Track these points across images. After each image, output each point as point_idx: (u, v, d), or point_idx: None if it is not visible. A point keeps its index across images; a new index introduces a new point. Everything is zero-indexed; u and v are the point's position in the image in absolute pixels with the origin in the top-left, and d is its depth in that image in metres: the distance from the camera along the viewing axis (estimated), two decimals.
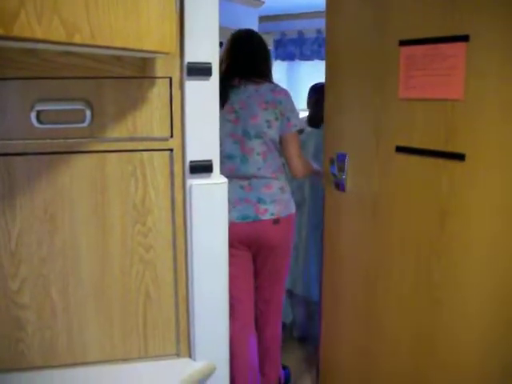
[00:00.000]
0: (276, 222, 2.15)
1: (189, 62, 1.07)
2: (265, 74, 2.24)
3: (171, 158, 1.12)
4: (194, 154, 1.12)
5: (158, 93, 1.08)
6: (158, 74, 1.08)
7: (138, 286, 1.15)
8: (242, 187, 2.15)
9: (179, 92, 1.10)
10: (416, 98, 1.75)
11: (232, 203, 2.11)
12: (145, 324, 1.18)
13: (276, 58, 5.55)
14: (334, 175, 2.07)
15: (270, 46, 4.89)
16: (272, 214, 2.15)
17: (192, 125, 1.10)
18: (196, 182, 1.12)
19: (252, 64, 2.21)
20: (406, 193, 1.82)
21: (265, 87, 2.15)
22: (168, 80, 1.08)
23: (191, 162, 1.11)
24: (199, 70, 1.08)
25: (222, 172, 1.18)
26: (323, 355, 2.27)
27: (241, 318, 2.21)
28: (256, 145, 2.12)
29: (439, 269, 1.71)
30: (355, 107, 1.99)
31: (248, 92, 2.14)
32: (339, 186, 2.07)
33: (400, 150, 1.82)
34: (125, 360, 1.18)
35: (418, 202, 1.77)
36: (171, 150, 1.12)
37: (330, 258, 2.19)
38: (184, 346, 1.20)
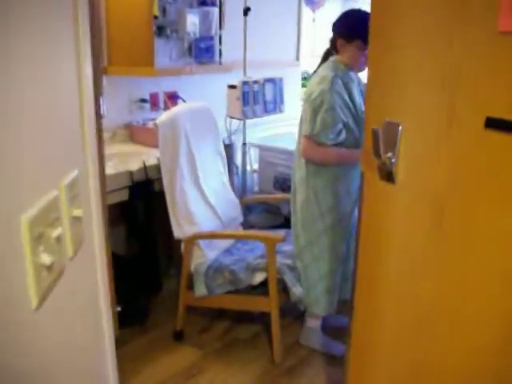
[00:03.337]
0: None
1: None
2: None
3: None
4: None
5: None
6: None
7: None
8: None
9: None
10: None
11: None
12: None
13: None
14: (379, 157, 1.32)
15: None
16: None
17: None
18: None
19: None
20: (498, 194, 1.07)
21: None
22: None
23: None
24: None
25: None
26: None
27: None
28: None
29: None
30: (416, 49, 1.22)
31: None
32: (386, 173, 1.33)
33: (493, 123, 1.05)
34: None
35: None
36: None
37: (367, 281, 1.47)
38: None
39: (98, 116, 2.17)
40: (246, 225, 3.32)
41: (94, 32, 1.79)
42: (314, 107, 2.20)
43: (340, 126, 2.21)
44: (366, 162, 1.41)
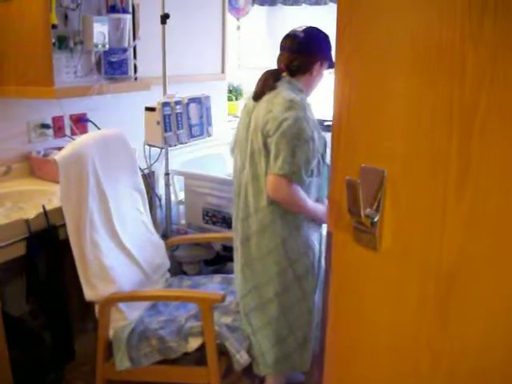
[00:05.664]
0: None
1: None
2: None
3: None
4: None
5: None
6: None
7: None
8: None
9: None
10: None
11: None
12: None
13: (253, 3, 4.38)
14: (356, 215, 0.98)
15: None
16: None
17: None
18: None
19: None
20: None
21: None
22: None
23: None
24: None
25: None
26: None
27: None
28: None
29: None
30: (408, 62, 0.89)
31: None
32: (365, 237, 0.99)
33: None
34: None
35: None
36: None
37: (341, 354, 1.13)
38: None
39: None
40: (174, 262, 2.92)
41: None
42: (291, 138, 1.81)
43: (315, 161, 1.90)
44: (335, 219, 1.06)
